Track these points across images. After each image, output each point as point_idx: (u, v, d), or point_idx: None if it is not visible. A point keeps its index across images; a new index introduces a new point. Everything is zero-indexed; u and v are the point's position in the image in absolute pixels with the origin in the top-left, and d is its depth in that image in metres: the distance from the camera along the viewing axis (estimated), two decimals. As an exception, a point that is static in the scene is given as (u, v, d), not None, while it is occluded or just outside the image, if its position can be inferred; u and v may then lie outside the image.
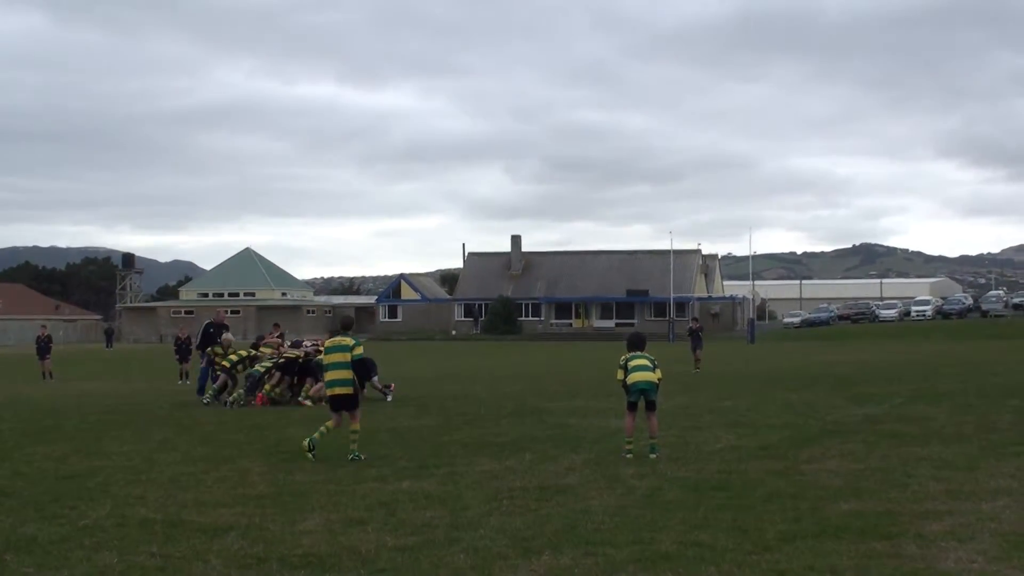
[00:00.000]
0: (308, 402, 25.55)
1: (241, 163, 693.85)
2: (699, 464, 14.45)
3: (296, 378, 26.74)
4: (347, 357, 15.79)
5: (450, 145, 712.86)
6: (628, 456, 15.17)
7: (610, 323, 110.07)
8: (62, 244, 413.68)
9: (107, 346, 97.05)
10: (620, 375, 15.61)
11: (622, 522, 10.53)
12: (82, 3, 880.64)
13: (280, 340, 28.50)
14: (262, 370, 26.42)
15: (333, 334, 27.34)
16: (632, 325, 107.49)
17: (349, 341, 16.02)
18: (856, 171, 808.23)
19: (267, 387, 26.26)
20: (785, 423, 19.48)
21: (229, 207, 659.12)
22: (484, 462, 15.03)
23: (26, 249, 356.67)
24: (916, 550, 9.22)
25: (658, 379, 15.53)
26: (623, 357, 15.75)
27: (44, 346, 42.13)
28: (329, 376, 16.05)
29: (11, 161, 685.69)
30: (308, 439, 15.81)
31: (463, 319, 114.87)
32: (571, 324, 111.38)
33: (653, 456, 15.13)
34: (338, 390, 15.84)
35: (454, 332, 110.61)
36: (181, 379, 35.70)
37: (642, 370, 15.47)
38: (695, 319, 45.02)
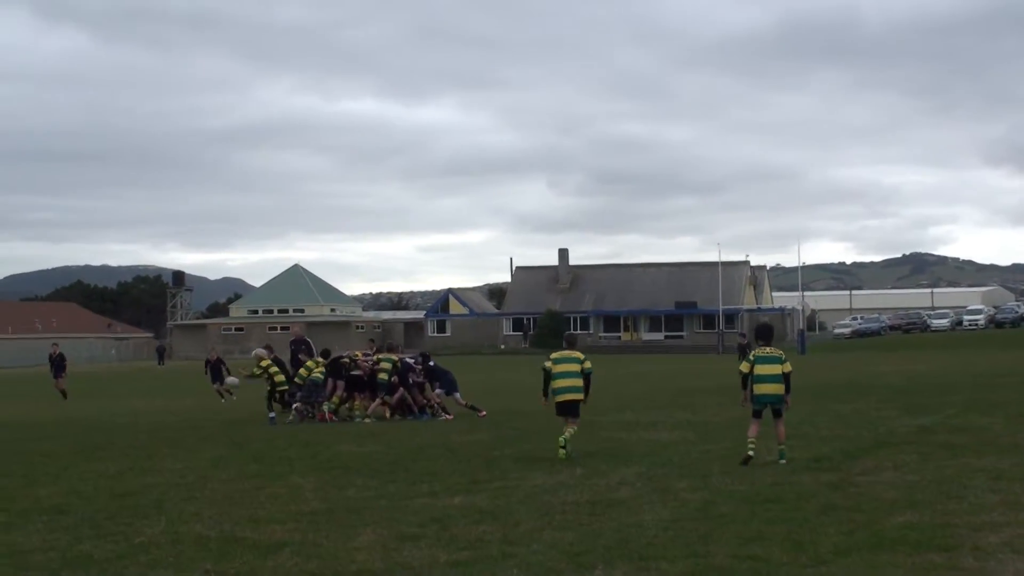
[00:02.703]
0: (368, 420, 25.57)
1: (286, 180, 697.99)
2: (752, 476, 14.37)
3: (354, 393, 26.88)
4: (578, 368, 17.42)
5: (493, 159, 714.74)
6: (751, 454, 15.54)
7: (659, 335, 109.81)
8: (112, 263, 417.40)
9: (159, 363, 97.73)
10: (745, 367, 16.06)
11: (675, 536, 10.49)
12: (124, 23, 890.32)
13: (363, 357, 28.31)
14: (321, 377, 26.50)
15: (380, 349, 27.56)
16: (681, 337, 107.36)
17: (580, 355, 17.68)
18: (903, 180, 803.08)
19: (335, 400, 26.44)
20: (837, 435, 19.35)
21: (275, 224, 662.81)
22: (536, 476, 15.01)
23: (77, 268, 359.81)
24: (973, 562, 9.13)
25: (786, 372, 15.90)
26: (753, 352, 16.11)
27: (58, 364, 41.92)
28: (559, 384, 17.41)
29: (60, 181, 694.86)
30: (562, 437, 17.06)
31: (512, 333, 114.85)
32: (619, 337, 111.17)
33: (782, 462, 15.43)
34: (568, 396, 17.35)
35: (503, 346, 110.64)
36: (223, 398, 35.56)
37: (770, 380, 15.82)
38: (742, 335, 44.82)
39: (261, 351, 28.63)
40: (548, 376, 17.60)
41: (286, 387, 27.34)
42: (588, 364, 17.61)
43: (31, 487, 15.55)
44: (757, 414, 15.94)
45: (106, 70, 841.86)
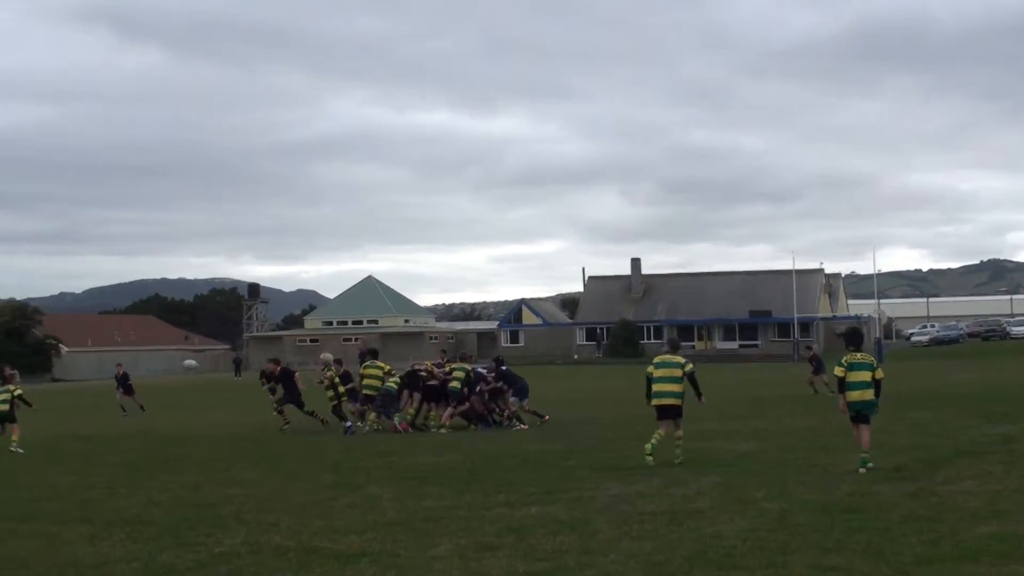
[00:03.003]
0: (443, 430, 25.66)
1: (359, 192, 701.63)
2: (829, 486, 14.23)
3: (431, 403, 27.02)
4: (678, 372, 17.59)
5: (564, 169, 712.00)
6: (868, 466, 15.48)
7: (733, 344, 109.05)
8: (189, 276, 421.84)
9: (236, 375, 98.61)
10: (840, 372, 16.01)
11: (754, 546, 10.41)
12: (197, 40, 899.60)
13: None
14: (395, 387, 26.65)
15: (453, 359, 27.64)
16: (756, 346, 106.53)
17: (680, 359, 17.83)
18: (979, 185, 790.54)
19: (410, 412, 26.61)
20: (917, 444, 19.12)
21: (348, 236, 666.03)
22: (612, 486, 14.98)
23: (154, 281, 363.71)
24: (1060, 573, 8.98)
25: (877, 379, 15.94)
26: (845, 358, 16.04)
27: (124, 383, 42.87)
28: (658, 388, 17.64)
29: (138, 196, 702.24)
30: (649, 444, 17.36)
31: (585, 343, 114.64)
32: (693, 346, 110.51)
33: (862, 470, 15.38)
34: (667, 401, 17.57)
35: (576, 356, 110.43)
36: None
37: (860, 387, 15.83)
38: (808, 347, 44.33)
39: (327, 355, 28.85)
40: (650, 381, 17.84)
41: (345, 399, 27.45)
42: (690, 366, 17.83)
43: (113, 498, 15.78)
44: (854, 420, 15.95)
45: (181, 86, 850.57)
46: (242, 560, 10.69)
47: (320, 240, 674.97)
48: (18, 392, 25.19)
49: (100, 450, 24.39)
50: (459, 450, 21.00)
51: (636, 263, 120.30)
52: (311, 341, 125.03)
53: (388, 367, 27.75)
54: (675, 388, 17.65)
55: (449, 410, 26.24)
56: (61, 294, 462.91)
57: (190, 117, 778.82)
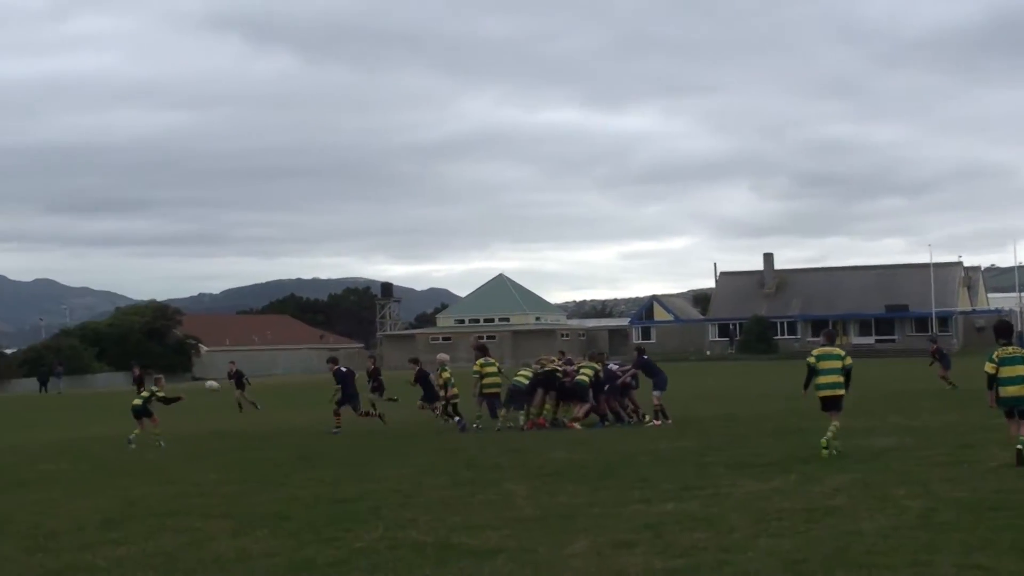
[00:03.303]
0: (577, 424, 25.72)
1: (489, 191, 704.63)
2: (973, 483, 13.93)
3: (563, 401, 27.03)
4: (839, 364, 18.09)
5: (695, 165, 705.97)
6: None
7: (869, 340, 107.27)
8: (323, 276, 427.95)
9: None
10: (991, 368, 15.85)
11: (896, 544, 10.24)
12: (330, 43, 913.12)
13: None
14: (525, 382, 26.72)
15: (591, 357, 27.59)
16: (892, 342, 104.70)
17: (840, 351, 18.34)
18: None
19: (534, 409, 26.63)
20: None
21: (479, 234, 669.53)
22: (748, 483, 14.84)
23: (290, 282, 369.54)
24: None
25: None
26: (996, 352, 15.91)
27: (238, 380, 43.71)
28: (823, 380, 18.10)
29: (271, 198, 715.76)
30: (824, 439, 17.49)
31: (717, 339, 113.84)
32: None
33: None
34: (830, 392, 18.09)
35: (708, 352, 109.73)
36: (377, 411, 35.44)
37: (1016, 382, 15.62)
38: (932, 340, 43.41)
39: (444, 356, 29.03)
40: (812, 372, 18.09)
41: (458, 400, 27.59)
42: (848, 360, 18.25)
43: (255, 494, 16.08)
44: (1010, 414, 15.69)
45: (314, 89, 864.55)
46: (381, 556, 10.82)
47: (451, 239, 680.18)
48: (161, 393, 26.83)
49: (241, 447, 24.87)
50: (593, 447, 20.99)
51: (769, 258, 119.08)
52: (443, 339, 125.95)
53: (499, 364, 27.94)
54: (838, 379, 18.13)
55: (586, 407, 26.14)
56: (200, 295, 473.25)
57: (324, 120, 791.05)
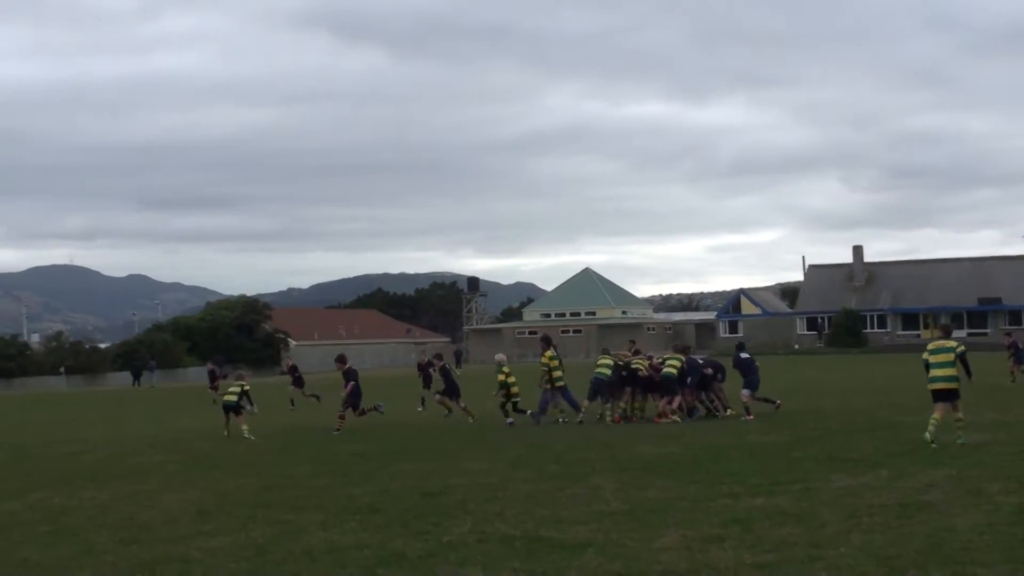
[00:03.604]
0: (675, 417, 25.43)
1: (574, 185, 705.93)
2: (1071, 479, 13.68)
3: (642, 394, 26.92)
4: (952, 357, 18.29)
5: (783, 157, 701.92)
6: None
7: (961, 333, 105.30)
8: (410, 270, 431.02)
9: (456, 367, 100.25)
10: None
11: (991, 541, 10.08)
12: (418, 39, 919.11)
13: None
14: (607, 373, 26.51)
15: (675, 349, 27.46)
16: (985, 335, 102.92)
17: (953, 343, 18.54)
18: None
19: (622, 404, 26.55)
20: None
21: (565, 229, 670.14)
22: (839, 478, 14.69)
23: (377, 276, 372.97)
24: None
25: None
26: None
27: (295, 377, 43.89)
28: (934, 373, 18.40)
29: (360, 193, 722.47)
30: (927, 432, 17.83)
31: (805, 332, 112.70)
32: (919, 335, 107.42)
33: None
34: (941, 385, 18.30)
35: (796, 346, 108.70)
36: (420, 406, 35.85)
37: None
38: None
39: (502, 356, 29.07)
40: (928, 367, 18.39)
41: (519, 399, 27.52)
42: (961, 348, 18.51)
43: (345, 487, 16.21)
44: None
45: (403, 85, 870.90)
46: (470, 549, 10.86)
47: (537, 233, 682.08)
48: (247, 387, 27.50)
49: (331, 439, 25.08)
50: (681, 441, 20.89)
51: (858, 251, 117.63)
52: (530, 333, 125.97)
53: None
54: (950, 372, 18.28)
55: (677, 399, 25.97)
56: (289, 290, 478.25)
57: (411, 115, 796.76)
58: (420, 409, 35.14)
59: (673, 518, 12.02)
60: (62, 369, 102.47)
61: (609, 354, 27.57)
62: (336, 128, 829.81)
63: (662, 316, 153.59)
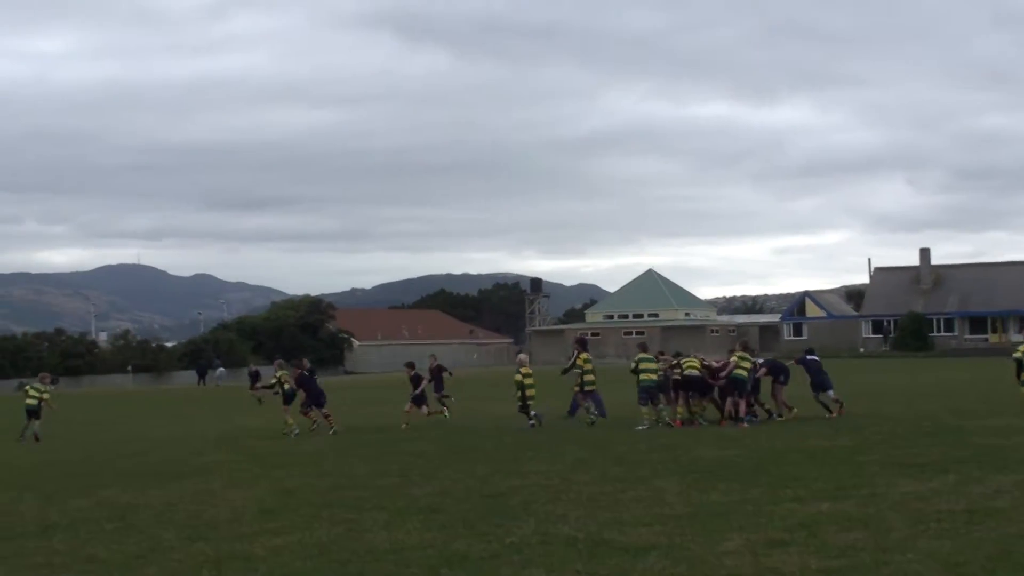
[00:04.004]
0: (750, 422, 25.09)
1: (637, 186, 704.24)
2: None
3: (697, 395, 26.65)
4: None
5: (849, 158, 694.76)
6: None
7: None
8: (473, 271, 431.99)
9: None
10: None
11: (1062, 548, 9.93)
12: (480, 40, 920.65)
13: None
14: (655, 379, 26.10)
15: (743, 347, 27.16)
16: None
17: None
18: None
19: (682, 408, 26.33)
20: None
21: (627, 230, 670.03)
22: (905, 483, 14.52)
23: (440, 277, 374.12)
24: None
25: None
26: None
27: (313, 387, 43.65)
28: None
29: (423, 194, 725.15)
30: None
31: (871, 336, 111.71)
32: (987, 339, 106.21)
33: None
34: None
35: (862, 349, 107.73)
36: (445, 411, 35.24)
37: None
38: None
39: (523, 356, 29.07)
40: (1020, 366, 18.35)
41: (533, 400, 27.37)
42: None
43: (407, 487, 16.26)
44: None
45: (465, 86, 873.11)
46: (533, 550, 10.85)
47: (600, 234, 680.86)
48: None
49: (393, 440, 25.17)
50: (743, 444, 20.76)
51: (925, 253, 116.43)
52: (592, 335, 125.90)
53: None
54: None
55: (743, 403, 25.49)
56: (352, 290, 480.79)
57: (474, 116, 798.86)
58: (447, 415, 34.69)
59: (737, 522, 11.94)
60: (129, 367, 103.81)
61: (647, 351, 27.12)
62: (400, 128, 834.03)
63: (725, 318, 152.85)
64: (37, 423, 30.89)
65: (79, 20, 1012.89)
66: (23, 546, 12.51)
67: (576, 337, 30.60)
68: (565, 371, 28.50)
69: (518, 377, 27.36)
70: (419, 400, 30.62)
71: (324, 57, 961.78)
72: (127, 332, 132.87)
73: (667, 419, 25.94)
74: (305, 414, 28.63)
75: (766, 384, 27.04)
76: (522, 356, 29.22)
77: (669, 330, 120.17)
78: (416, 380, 31.14)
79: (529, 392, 27.22)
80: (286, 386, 28.94)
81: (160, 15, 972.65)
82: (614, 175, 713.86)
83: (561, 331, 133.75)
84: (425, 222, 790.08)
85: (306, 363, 30.32)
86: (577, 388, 27.91)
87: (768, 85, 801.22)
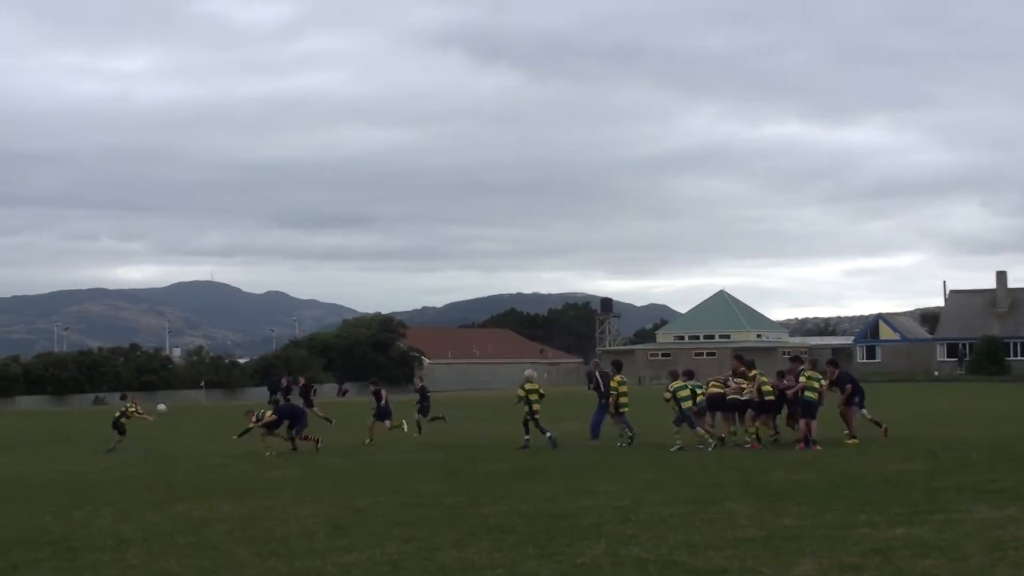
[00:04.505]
0: (818, 447, 24.57)
1: (709, 206, 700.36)
2: None
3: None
4: None
5: (923, 180, 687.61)
6: None
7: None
8: (543, 291, 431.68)
9: (588, 388, 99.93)
10: None
11: None
12: (553, 60, 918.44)
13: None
14: (690, 405, 25.84)
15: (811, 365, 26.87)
16: None
17: None
18: None
19: (751, 429, 26.08)
20: None
21: (699, 250, 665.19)
22: (981, 509, 14.32)
23: (510, 296, 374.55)
24: None
25: None
26: None
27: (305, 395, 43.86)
28: None
29: (493, 213, 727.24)
30: None
31: (946, 359, 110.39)
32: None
33: None
34: None
35: (936, 373, 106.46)
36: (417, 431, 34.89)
37: None
38: None
39: (531, 372, 29.23)
40: None
41: (537, 416, 27.78)
42: None
43: (477, 506, 16.26)
44: None
45: (536, 105, 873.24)
46: (603, 571, 10.81)
47: (671, 255, 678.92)
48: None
49: (462, 459, 25.17)
50: (816, 467, 20.57)
51: (1001, 276, 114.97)
52: (663, 355, 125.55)
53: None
54: None
55: (814, 424, 25.07)
56: (423, 308, 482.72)
57: (545, 135, 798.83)
58: (416, 435, 34.65)
59: (810, 546, 11.82)
60: (202, 383, 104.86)
61: (677, 378, 26.64)
62: (471, 147, 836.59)
63: (797, 340, 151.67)
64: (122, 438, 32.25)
65: (158, 40, 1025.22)
66: (99, 559, 12.66)
67: (612, 360, 30.77)
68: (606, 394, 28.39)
69: (521, 392, 27.86)
70: (382, 415, 31.95)
71: (396, 76, 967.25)
72: (201, 348, 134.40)
73: (742, 440, 25.89)
74: (304, 438, 28.90)
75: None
76: (529, 372, 29.49)
77: (740, 351, 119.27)
78: (378, 395, 32.30)
79: (535, 407, 27.63)
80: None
81: (238, 35, 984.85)
82: (687, 195, 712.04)
83: (631, 351, 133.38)
84: (496, 241, 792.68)
85: (284, 382, 31.99)
86: (613, 411, 28.01)
87: (842, 105, 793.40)
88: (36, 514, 16.95)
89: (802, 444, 24.79)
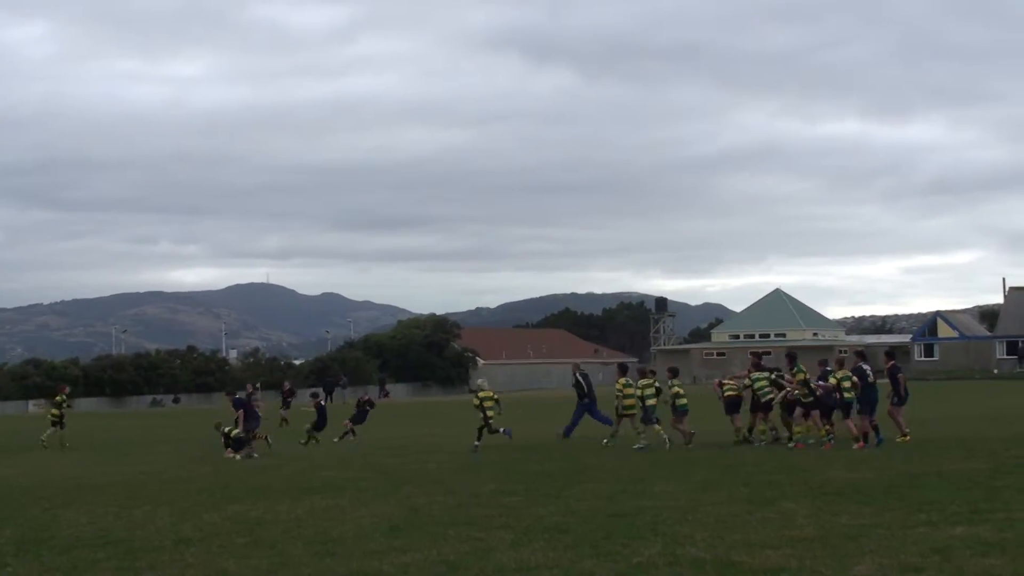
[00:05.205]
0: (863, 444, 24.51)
1: (765, 205, 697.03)
2: None
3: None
4: None
5: (983, 176, 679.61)
6: None
7: None
8: (598, 290, 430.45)
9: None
10: None
11: None
12: (607, 59, 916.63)
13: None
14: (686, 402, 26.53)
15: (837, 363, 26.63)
16: None
17: None
18: None
19: (799, 429, 26.05)
20: None
21: (755, 249, 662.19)
22: (1043, 508, 14.15)
23: (564, 296, 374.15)
24: None
25: None
26: None
27: (328, 402, 43.87)
28: None
29: (548, 213, 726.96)
30: None
31: (1006, 357, 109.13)
32: None
33: None
34: None
35: (996, 371, 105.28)
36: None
37: None
38: None
39: (482, 382, 30.67)
40: None
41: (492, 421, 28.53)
42: None
43: (533, 506, 16.25)
44: None
45: (592, 105, 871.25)
46: (660, 571, 10.78)
47: (726, 253, 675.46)
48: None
49: (518, 459, 25.16)
50: (873, 466, 20.40)
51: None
52: (718, 355, 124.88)
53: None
54: None
55: (850, 422, 24.98)
56: (477, 309, 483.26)
57: (601, 135, 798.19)
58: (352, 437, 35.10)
59: (868, 545, 11.73)
60: (258, 384, 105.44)
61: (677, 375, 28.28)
62: (526, 148, 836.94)
63: (854, 338, 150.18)
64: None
65: (215, 45, 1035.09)
66: (158, 559, 12.76)
67: (618, 363, 30.89)
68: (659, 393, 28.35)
69: (476, 401, 28.99)
70: (319, 425, 34.03)
71: (452, 78, 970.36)
72: (256, 350, 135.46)
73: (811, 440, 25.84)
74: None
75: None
76: (480, 381, 30.94)
77: (796, 350, 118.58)
78: (320, 409, 34.58)
79: (489, 414, 28.51)
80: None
81: (292, 39, 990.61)
82: (743, 194, 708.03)
83: (686, 351, 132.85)
84: (550, 241, 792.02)
85: (250, 387, 32.85)
86: (623, 413, 28.30)
87: (900, 102, 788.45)
88: (96, 515, 17.12)
89: (861, 443, 24.49)
